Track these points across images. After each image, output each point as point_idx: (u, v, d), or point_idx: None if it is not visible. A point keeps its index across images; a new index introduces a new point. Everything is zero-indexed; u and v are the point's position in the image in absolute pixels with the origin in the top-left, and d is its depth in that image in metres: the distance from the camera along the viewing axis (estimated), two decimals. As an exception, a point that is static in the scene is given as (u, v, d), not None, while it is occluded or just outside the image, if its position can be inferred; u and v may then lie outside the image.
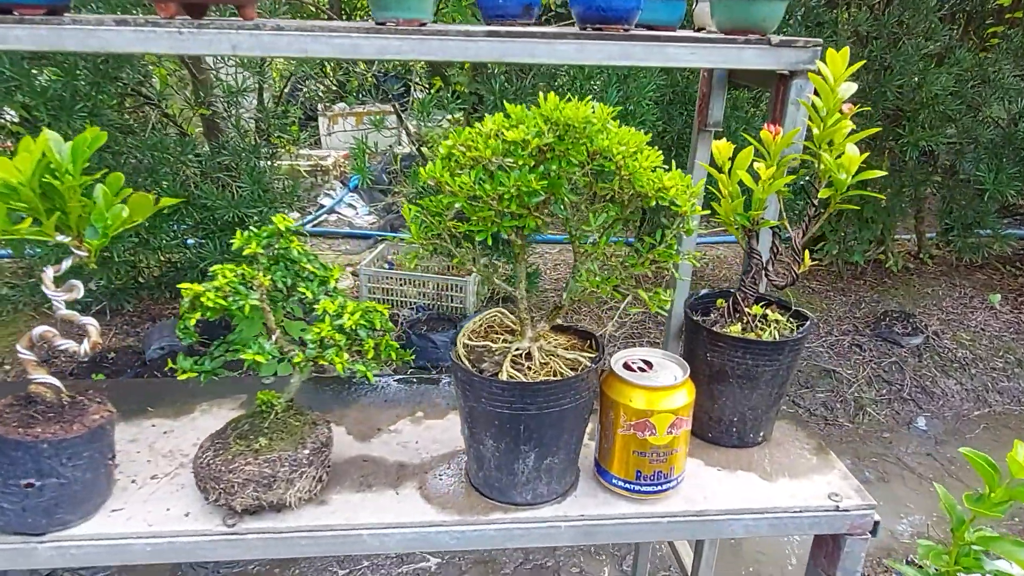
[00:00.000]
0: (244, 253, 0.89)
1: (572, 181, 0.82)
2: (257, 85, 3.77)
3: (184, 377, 0.86)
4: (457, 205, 0.78)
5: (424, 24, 0.96)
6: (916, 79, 3.57)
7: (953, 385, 4.06)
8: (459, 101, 3.04)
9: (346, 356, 0.86)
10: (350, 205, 6.03)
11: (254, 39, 0.93)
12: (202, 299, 0.82)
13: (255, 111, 3.80)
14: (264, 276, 0.88)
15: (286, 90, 4.78)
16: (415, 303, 3.75)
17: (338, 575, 2.37)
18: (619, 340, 3.65)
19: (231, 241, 0.91)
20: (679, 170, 0.82)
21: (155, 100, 3.51)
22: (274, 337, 0.91)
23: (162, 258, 3.38)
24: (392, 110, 4.12)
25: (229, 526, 0.87)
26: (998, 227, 4.10)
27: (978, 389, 4.05)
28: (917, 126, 3.78)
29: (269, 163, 3.40)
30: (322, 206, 5.89)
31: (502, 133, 0.78)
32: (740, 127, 3.24)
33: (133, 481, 0.95)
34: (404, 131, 4.28)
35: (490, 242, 0.79)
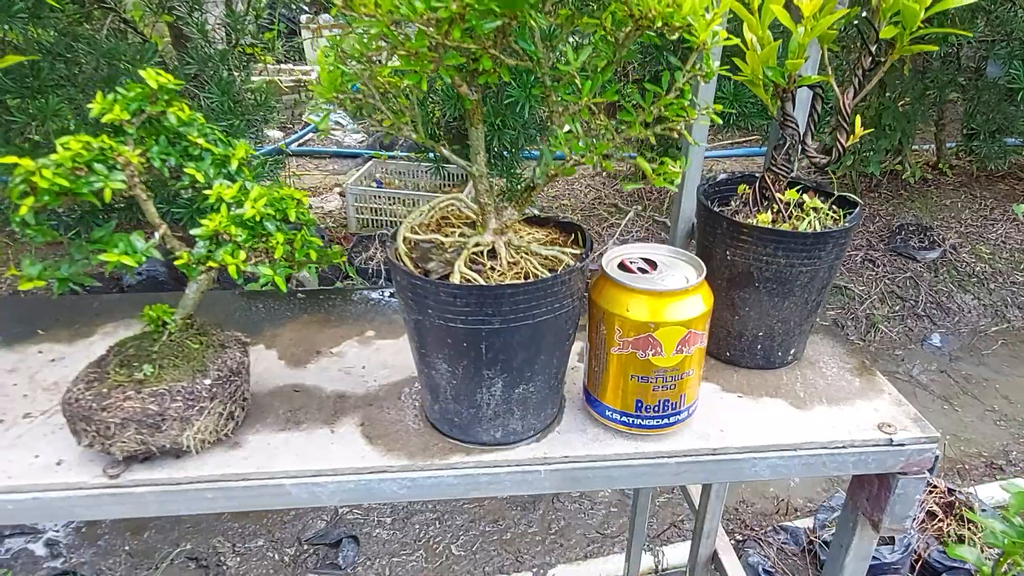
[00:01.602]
0: (104, 120, 0.66)
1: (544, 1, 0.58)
2: (222, -14, 3.44)
3: (29, 286, 0.64)
4: (374, 31, 0.54)
5: None
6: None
7: (970, 300, 3.88)
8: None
9: (243, 256, 0.64)
10: (337, 123, 5.71)
11: None
12: (35, 179, 0.59)
13: (223, 17, 3.48)
14: (133, 151, 0.66)
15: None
16: (404, 223, 3.54)
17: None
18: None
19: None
20: (697, -17, 0.58)
21: (111, 4, 3.18)
22: (157, 234, 0.69)
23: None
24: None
25: (111, 477, 0.68)
26: (1027, 132, 3.79)
27: (996, 304, 3.87)
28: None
29: (240, 74, 3.12)
30: (307, 124, 5.58)
31: (441, -74, 0.53)
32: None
33: (0, 421, 0.75)
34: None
35: (424, 86, 0.56)
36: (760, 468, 0.74)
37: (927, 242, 4.23)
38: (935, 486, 2.57)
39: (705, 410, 0.78)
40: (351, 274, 3.27)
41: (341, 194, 4.23)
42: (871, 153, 4.20)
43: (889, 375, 3.38)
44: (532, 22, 0.57)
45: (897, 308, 3.95)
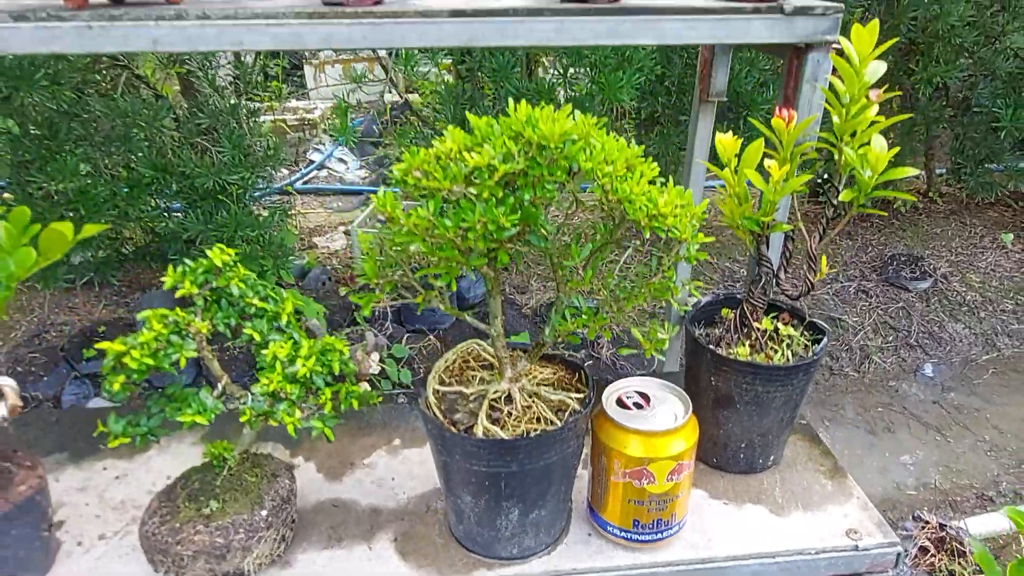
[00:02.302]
0: (178, 295, 0.77)
1: (550, 207, 0.70)
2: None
3: (117, 444, 0.76)
4: (413, 247, 0.66)
5: (379, 2, 0.81)
6: (932, 9, 3.33)
7: (961, 329, 3.97)
8: (445, 50, 2.85)
9: (299, 414, 0.75)
10: (340, 160, 5.83)
11: (177, 32, 0.79)
12: (125, 360, 0.70)
13: (232, 68, 3.61)
14: (202, 320, 0.77)
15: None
16: (410, 264, 3.63)
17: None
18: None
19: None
20: (679, 187, 0.69)
21: (124, 61, 3.31)
22: (220, 385, 0.80)
23: (144, 227, 3.26)
24: (376, 58, 3.92)
25: (182, 599, 0.78)
26: (1013, 163, 3.91)
27: (987, 333, 3.97)
28: (931, 60, 3.56)
29: (250, 124, 3.23)
30: (311, 162, 5.69)
31: (463, 156, 0.65)
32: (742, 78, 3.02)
33: (79, 543, 0.86)
34: (391, 81, 4.08)
35: (453, 287, 0.68)
36: (743, 573, 0.85)
37: (918, 272, 4.33)
38: (927, 522, 2.66)
39: (694, 518, 0.89)
40: (359, 319, 3.38)
41: (346, 232, 4.34)
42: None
43: (885, 407, 3.48)
44: (542, 227, 0.69)
45: (890, 339, 4.04)
